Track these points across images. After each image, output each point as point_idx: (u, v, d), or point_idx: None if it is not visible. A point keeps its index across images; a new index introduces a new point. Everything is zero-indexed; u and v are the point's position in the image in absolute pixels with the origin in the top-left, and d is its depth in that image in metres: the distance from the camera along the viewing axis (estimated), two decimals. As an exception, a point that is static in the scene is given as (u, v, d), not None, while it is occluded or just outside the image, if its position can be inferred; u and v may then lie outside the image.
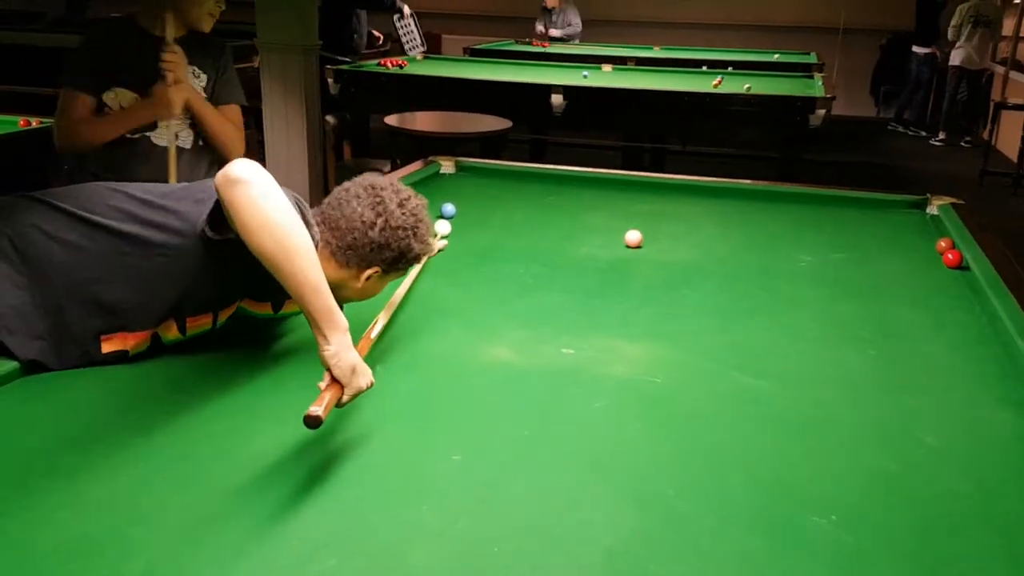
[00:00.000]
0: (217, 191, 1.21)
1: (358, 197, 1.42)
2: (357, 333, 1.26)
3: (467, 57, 7.13)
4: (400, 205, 1.42)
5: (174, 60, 2.16)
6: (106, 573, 0.92)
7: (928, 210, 2.50)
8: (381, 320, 1.47)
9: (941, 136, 8.39)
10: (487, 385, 1.42)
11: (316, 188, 4.41)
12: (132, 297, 1.37)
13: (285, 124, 4.55)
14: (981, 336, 1.65)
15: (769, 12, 8.75)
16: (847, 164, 7.24)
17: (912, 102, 8.87)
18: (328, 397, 1.14)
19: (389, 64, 5.63)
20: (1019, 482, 1.18)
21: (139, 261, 1.36)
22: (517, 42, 8.46)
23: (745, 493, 1.12)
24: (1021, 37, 7.88)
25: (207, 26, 2.24)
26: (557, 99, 4.80)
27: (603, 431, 1.28)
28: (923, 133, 8.71)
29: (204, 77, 2.28)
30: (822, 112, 4.48)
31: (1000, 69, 8.19)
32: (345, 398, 1.18)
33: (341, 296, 1.41)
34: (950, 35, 8.08)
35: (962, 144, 8.25)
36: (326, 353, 1.17)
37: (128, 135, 2.16)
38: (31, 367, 1.33)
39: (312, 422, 1.09)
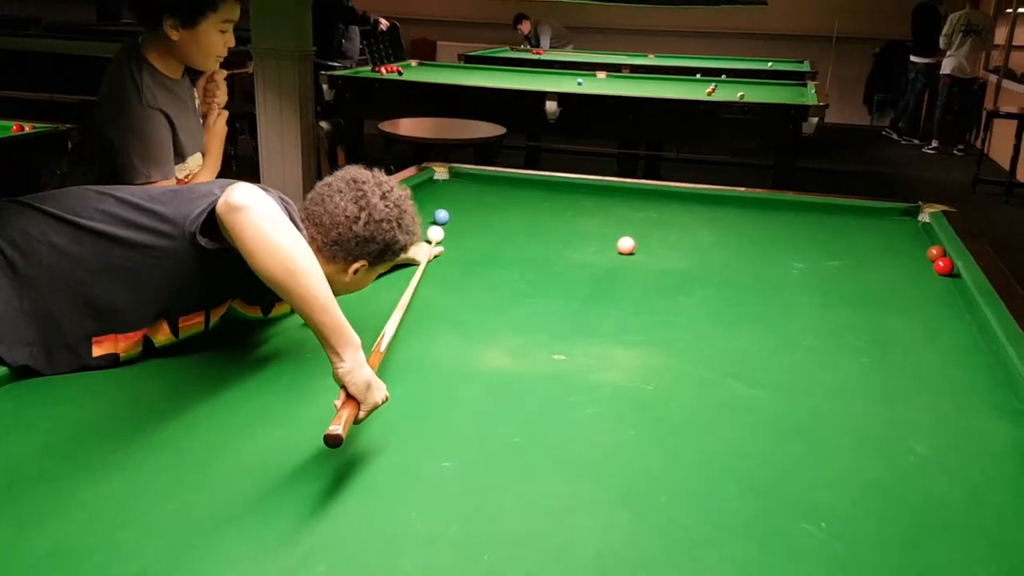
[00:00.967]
0: (218, 217, 1.21)
1: (340, 192, 1.42)
2: (367, 346, 1.25)
3: (462, 64, 7.14)
4: (383, 197, 1.43)
5: (222, 87, 2.01)
6: (95, 580, 0.91)
7: (920, 218, 2.51)
8: (388, 332, 1.47)
9: (934, 144, 8.43)
10: (480, 391, 1.42)
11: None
12: (122, 297, 1.36)
13: (280, 130, 4.55)
14: (972, 345, 1.65)
15: (763, 20, 8.78)
16: (841, 172, 7.27)
17: (906, 110, 8.92)
18: (346, 415, 1.12)
19: (384, 70, 5.64)
20: (1011, 491, 1.18)
21: (128, 263, 1.36)
22: (512, 49, 8.49)
23: (738, 500, 1.12)
24: (1013, 46, 7.92)
25: (214, 66, 1.97)
26: (551, 106, 4.81)
27: (596, 438, 1.28)
28: (916, 141, 8.75)
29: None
30: (815, 120, 4.50)
31: (993, 78, 8.24)
32: (362, 415, 1.16)
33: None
34: (941, 43, 8.13)
35: (955, 152, 8.29)
36: (340, 371, 1.15)
37: None
38: (21, 372, 1.32)
39: (333, 441, 1.07)
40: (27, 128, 3.43)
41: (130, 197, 1.42)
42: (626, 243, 2.18)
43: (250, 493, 1.08)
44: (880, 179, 7.20)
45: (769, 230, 2.46)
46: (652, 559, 0.99)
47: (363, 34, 7.04)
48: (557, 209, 2.62)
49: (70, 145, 3.42)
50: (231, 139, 6.56)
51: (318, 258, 1.38)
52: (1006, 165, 6.98)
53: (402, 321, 1.65)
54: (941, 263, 2.03)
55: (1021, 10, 7.82)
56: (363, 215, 1.40)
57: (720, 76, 6.21)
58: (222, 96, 2.06)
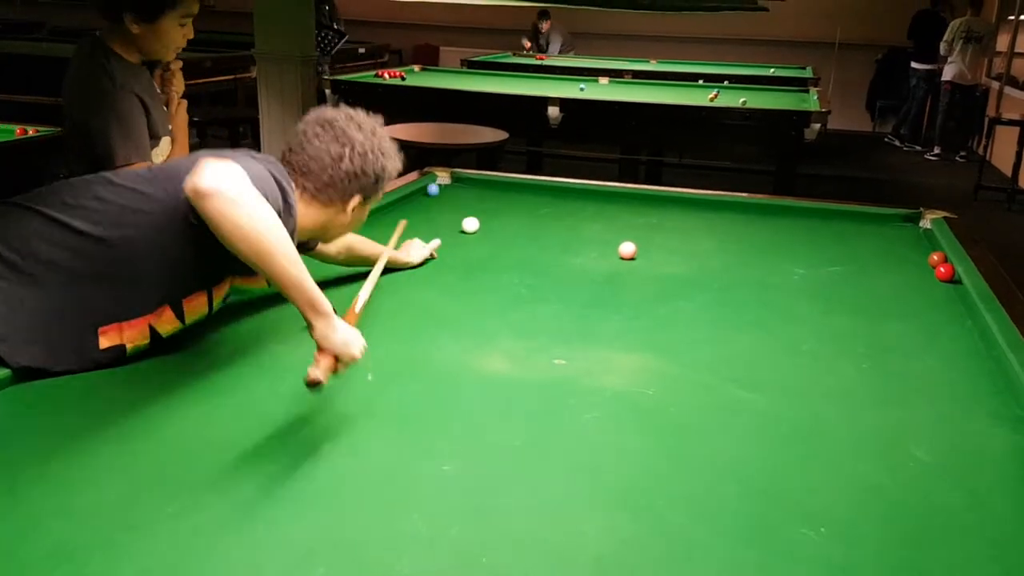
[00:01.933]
0: (189, 200, 1.23)
1: (317, 136, 1.45)
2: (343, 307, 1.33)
3: (464, 69, 7.16)
4: (359, 129, 1.47)
5: (179, 76, 2.11)
6: (95, 581, 0.92)
7: (921, 224, 2.51)
8: (363, 295, 1.48)
9: (936, 151, 8.43)
10: (480, 395, 1.42)
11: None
12: (123, 283, 1.37)
13: (282, 134, 4.56)
14: (973, 350, 1.65)
15: (766, 27, 8.79)
16: (843, 178, 7.27)
17: (909, 117, 8.93)
18: (325, 363, 1.21)
19: (387, 75, 5.65)
20: (1012, 496, 1.18)
21: (125, 247, 1.37)
22: (514, 54, 8.51)
23: (737, 504, 1.12)
24: (1015, 54, 7.93)
25: (171, 56, 2.03)
26: (554, 111, 4.82)
27: (596, 442, 1.28)
28: (918, 147, 8.76)
29: None
30: (817, 126, 4.51)
31: (995, 85, 8.25)
32: (341, 367, 1.24)
33: (332, 234, 1.52)
34: (942, 50, 8.14)
35: (957, 159, 8.30)
36: (316, 335, 1.23)
37: None
38: (22, 375, 1.33)
39: (313, 385, 1.16)
40: (31, 132, 3.44)
41: (117, 179, 1.44)
42: (627, 248, 2.18)
43: (249, 495, 1.08)
44: (882, 185, 7.20)
45: (770, 236, 2.46)
46: (651, 562, 1.00)
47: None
48: (558, 214, 2.62)
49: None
50: (234, 144, 6.60)
51: (314, 206, 1.45)
52: (1008, 172, 6.99)
53: (401, 324, 1.66)
54: (942, 269, 2.03)
55: (1023, 17, 7.83)
56: (347, 151, 1.43)
57: (722, 82, 6.22)
58: (179, 85, 2.14)
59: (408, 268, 1.97)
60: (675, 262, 2.21)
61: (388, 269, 1.80)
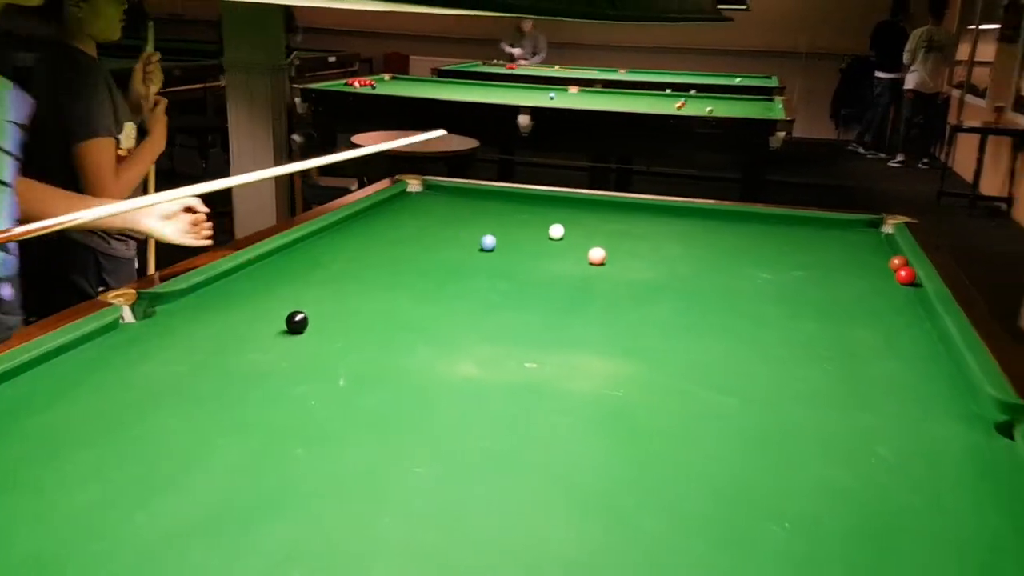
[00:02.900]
0: None
1: None
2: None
3: (435, 78, 7.18)
4: None
5: (158, 68, 2.31)
6: (66, 591, 0.91)
7: (883, 229, 2.57)
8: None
9: (899, 158, 8.60)
10: (452, 399, 1.43)
11: (283, 207, 4.41)
12: None
13: (252, 144, 4.55)
14: (933, 353, 1.69)
15: (732, 37, 8.92)
16: (809, 185, 7.39)
17: (872, 125, 9.10)
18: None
19: (357, 84, 5.65)
20: (970, 495, 1.21)
21: None
22: (484, 63, 8.54)
23: (706, 507, 1.14)
24: (975, 62, 8.12)
25: (118, 33, 2.26)
26: (524, 120, 4.85)
27: (566, 446, 1.30)
28: (881, 155, 8.92)
29: None
30: (782, 134, 4.59)
31: (956, 93, 8.44)
32: (186, 240, 1.56)
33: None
34: (905, 59, 8.32)
35: (919, 166, 8.47)
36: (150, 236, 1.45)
37: None
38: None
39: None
40: None
41: None
42: (596, 254, 2.21)
43: (221, 502, 1.08)
44: (847, 192, 7.33)
45: (736, 241, 2.50)
46: (619, 565, 1.01)
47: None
48: (529, 221, 2.64)
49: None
50: (203, 153, 6.55)
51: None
52: (969, 178, 7.15)
53: (372, 330, 1.67)
54: (903, 273, 2.08)
55: (983, 27, 8.02)
56: None
57: (689, 91, 6.31)
58: (158, 77, 2.34)
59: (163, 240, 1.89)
60: (644, 268, 2.24)
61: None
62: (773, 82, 7.56)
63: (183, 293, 1.76)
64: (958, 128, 7.37)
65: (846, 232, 2.59)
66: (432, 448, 1.26)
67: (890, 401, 1.50)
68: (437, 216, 2.63)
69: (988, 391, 1.43)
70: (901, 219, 2.56)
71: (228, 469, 1.17)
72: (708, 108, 5.25)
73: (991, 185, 6.97)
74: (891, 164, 8.60)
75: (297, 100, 4.89)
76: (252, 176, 1.54)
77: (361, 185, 3.97)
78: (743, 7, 6.82)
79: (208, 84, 6.41)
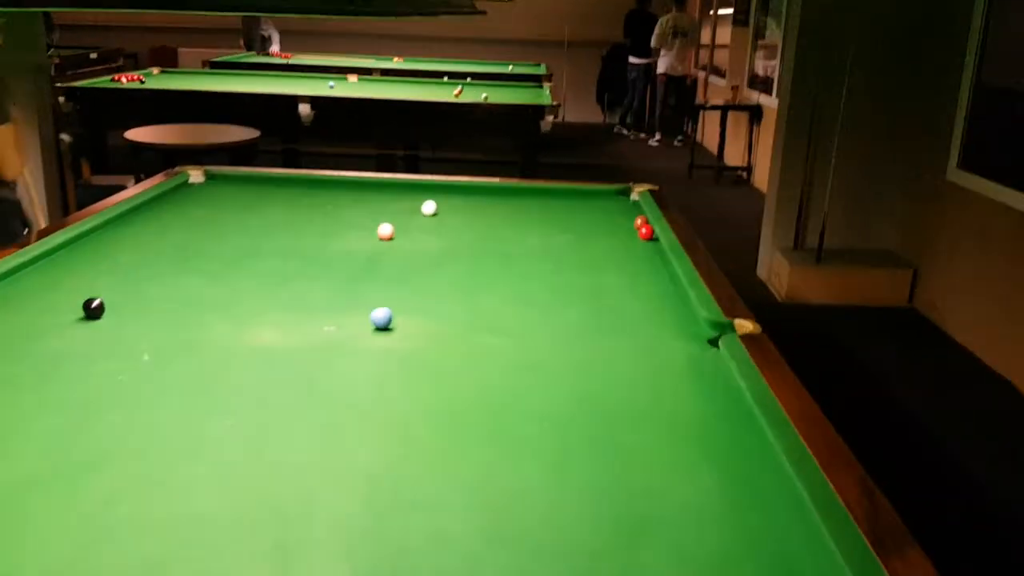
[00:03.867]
0: None
1: None
2: None
3: (207, 70, 6.99)
4: None
5: None
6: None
7: (632, 196, 2.96)
8: None
9: (657, 137, 9.44)
10: (256, 363, 1.57)
11: (55, 208, 4.19)
12: None
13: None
14: (665, 291, 2.05)
15: (501, 27, 9.35)
16: (581, 165, 7.98)
17: (632, 108, 9.90)
18: None
19: (125, 79, 5.43)
20: (687, 391, 1.53)
21: None
22: (258, 53, 8.39)
23: (482, 420, 1.38)
24: (717, 46, 9.08)
25: None
26: (305, 109, 4.91)
27: (367, 388, 1.49)
28: (642, 135, 9.75)
29: None
30: (551, 118, 4.99)
31: (702, 74, 9.39)
32: None
33: None
34: (653, 43, 9.10)
35: (675, 143, 9.35)
36: None
37: None
38: None
39: None
40: None
41: None
42: (385, 229, 2.39)
43: (49, 464, 1.17)
44: (613, 170, 7.98)
45: (510, 213, 2.79)
46: (411, 475, 1.21)
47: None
48: (317, 204, 2.78)
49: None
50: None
51: None
52: (715, 151, 8.03)
53: (167, 312, 1.76)
54: (644, 230, 2.45)
55: (722, 12, 8.98)
56: None
57: (466, 79, 6.60)
58: None
59: None
60: (430, 240, 2.46)
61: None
62: (542, 70, 8.05)
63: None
64: (702, 107, 8.24)
65: (602, 200, 2.96)
66: (242, 401, 1.40)
67: (630, 329, 1.82)
68: (222, 204, 2.70)
69: (702, 314, 1.79)
70: (645, 187, 2.97)
71: (50, 435, 1.25)
72: (483, 95, 5.56)
73: (734, 156, 7.88)
74: (650, 143, 9.42)
75: (61, 99, 4.64)
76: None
77: (138, 180, 3.88)
78: (508, -2, 7.21)
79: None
